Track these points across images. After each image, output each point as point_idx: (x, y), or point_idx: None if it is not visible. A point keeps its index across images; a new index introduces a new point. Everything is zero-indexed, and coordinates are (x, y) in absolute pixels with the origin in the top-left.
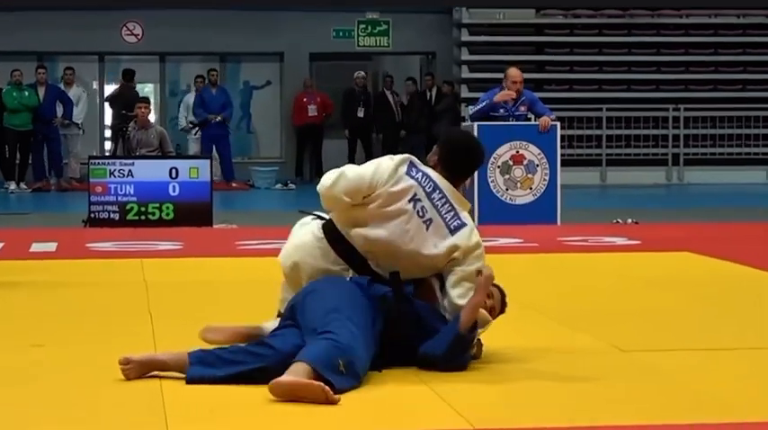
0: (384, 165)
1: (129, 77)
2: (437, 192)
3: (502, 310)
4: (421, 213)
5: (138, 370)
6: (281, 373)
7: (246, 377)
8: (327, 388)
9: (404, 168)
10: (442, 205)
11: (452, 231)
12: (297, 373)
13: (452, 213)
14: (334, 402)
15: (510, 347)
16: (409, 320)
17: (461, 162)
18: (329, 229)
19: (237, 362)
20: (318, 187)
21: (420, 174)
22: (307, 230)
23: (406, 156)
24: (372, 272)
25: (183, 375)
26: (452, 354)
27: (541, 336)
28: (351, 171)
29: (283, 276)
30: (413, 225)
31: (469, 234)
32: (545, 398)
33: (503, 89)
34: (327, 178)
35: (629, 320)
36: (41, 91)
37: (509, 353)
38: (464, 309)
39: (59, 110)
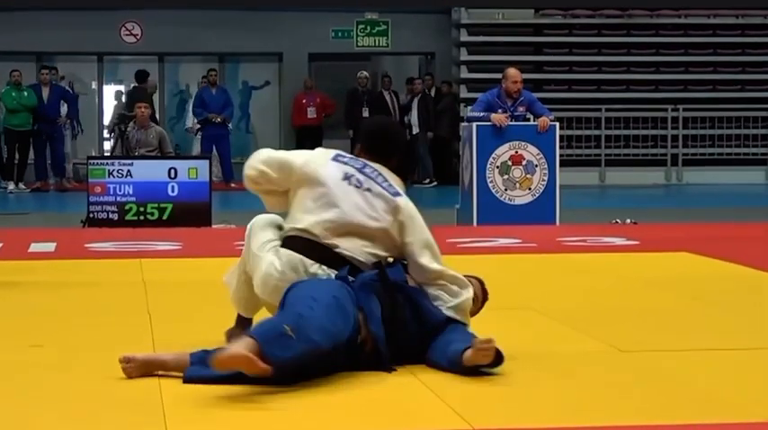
0: (312, 152)
1: (142, 78)
2: (368, 167)
3: (484, 298)
4: (358, 184)
5: (140, 369)
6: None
7: (243, 376)
8: (252, 357)
9: (331, 155)
10: (376, 176)
11: (393, 195)
12: (240, 346)
13: (387, 183)
14: (264, 371)
15: (508, 347)
16: (403, 304)
17: (382, 145)
18: (290, 244)
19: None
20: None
21: (347, 158)
22: (267, 264)
23: (334, 150)
24: (346, 260)
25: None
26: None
27: (540, 337)
28: (278, 152)
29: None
30: (356, 197)
31: (408, 200)
32: (544, 399)
33: (501, 89)
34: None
35: (627, 320)
36: (45, 91)
37: (508, 353)
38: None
39: (63, 109)
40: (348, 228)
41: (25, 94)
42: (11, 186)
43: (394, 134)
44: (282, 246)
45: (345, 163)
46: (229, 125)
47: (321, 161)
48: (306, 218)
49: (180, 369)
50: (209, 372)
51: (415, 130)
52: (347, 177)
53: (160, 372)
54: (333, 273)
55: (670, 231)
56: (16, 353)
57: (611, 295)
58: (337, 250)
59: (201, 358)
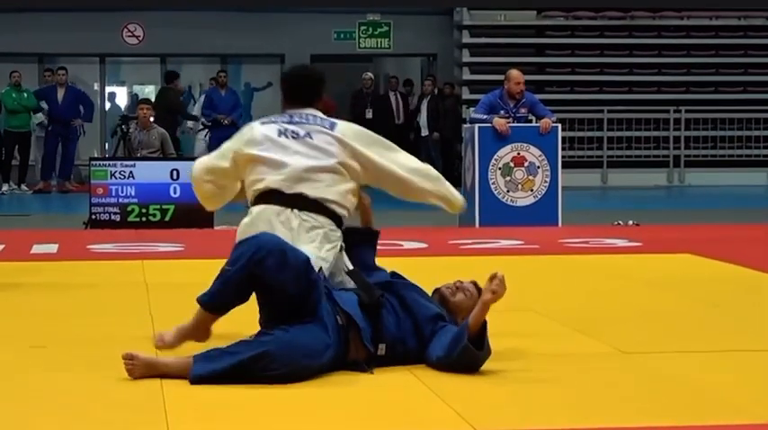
0: (238, 133)
1: (170, 79)
2: (296, 116)
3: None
4: (295, 135)
5: (142, 368)
6: (285, 360)
7: (248, 367)
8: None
9: (255, 123)
10: (307, 118)
11: (330, 127)
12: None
13: (320, 119)
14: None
15: (511, 349)
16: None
17: (302, 91)
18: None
19: (237, 352)
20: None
21: (273, 117)
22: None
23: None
24: (317, 202)
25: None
26: (465, 358)
27: (542, 339)
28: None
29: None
30: (298, 147)
31: (347, 124)
32: (546, 400)
33: (504, 90)
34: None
35: (630, 322)
36: (61, 92)
37: (510, 354)
38: (474, 310)
39: (81, 111)
40: (304, 175)
41: (25, 95)
42: (5, 187)
43: (309, 77)
44: (253, 205)
45: (274, 122)
46: (239, 126)
47: (250, 133)
48: (264, 179)
49: (183, 373)
50: (212, 367)
51: (425, 132)
52: (281, 133)
53: (162, 375)
54: (307, 217)
55: (672, 233)
56: (18, 353)
57: (613, 297)
58: (304, 195)
59: (204, 356)
